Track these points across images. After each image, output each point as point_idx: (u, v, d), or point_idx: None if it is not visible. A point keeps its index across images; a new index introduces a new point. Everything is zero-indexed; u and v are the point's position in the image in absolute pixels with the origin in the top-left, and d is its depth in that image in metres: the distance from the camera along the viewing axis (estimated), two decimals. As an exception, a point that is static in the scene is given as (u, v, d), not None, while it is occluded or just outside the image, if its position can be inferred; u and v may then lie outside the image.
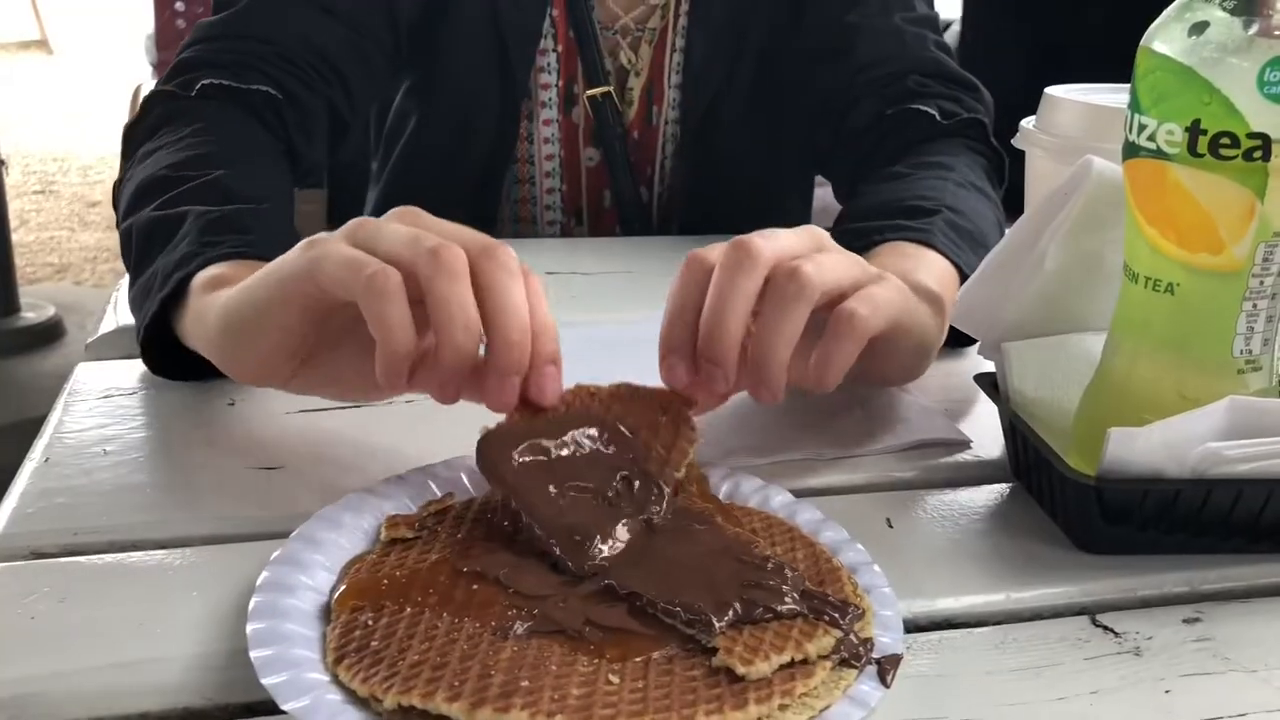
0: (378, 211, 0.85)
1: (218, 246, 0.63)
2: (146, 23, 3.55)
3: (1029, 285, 0.60)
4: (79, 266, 3.40)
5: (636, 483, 0.50)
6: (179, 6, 3.46)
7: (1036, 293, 0.60)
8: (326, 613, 0.44)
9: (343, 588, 0.45)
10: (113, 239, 3.57)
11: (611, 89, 1.02)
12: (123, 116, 3.71)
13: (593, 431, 0.51)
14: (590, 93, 1.01)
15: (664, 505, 0.49)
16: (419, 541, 0.48)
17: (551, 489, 0.48)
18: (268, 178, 0.78)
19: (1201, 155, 0.48)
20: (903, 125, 0.93)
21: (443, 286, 0.48)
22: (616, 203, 1.06)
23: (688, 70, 1.02)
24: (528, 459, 0.49)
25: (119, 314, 0.77)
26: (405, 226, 0.51)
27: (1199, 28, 0.49)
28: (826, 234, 0.58)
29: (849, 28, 0.98)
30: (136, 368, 0.69)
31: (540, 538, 0.46)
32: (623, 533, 0.47)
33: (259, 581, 0.44)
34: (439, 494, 0.52)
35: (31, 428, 0.61)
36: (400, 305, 0.48)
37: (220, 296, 0.57)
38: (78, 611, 0.46)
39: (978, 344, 0.63)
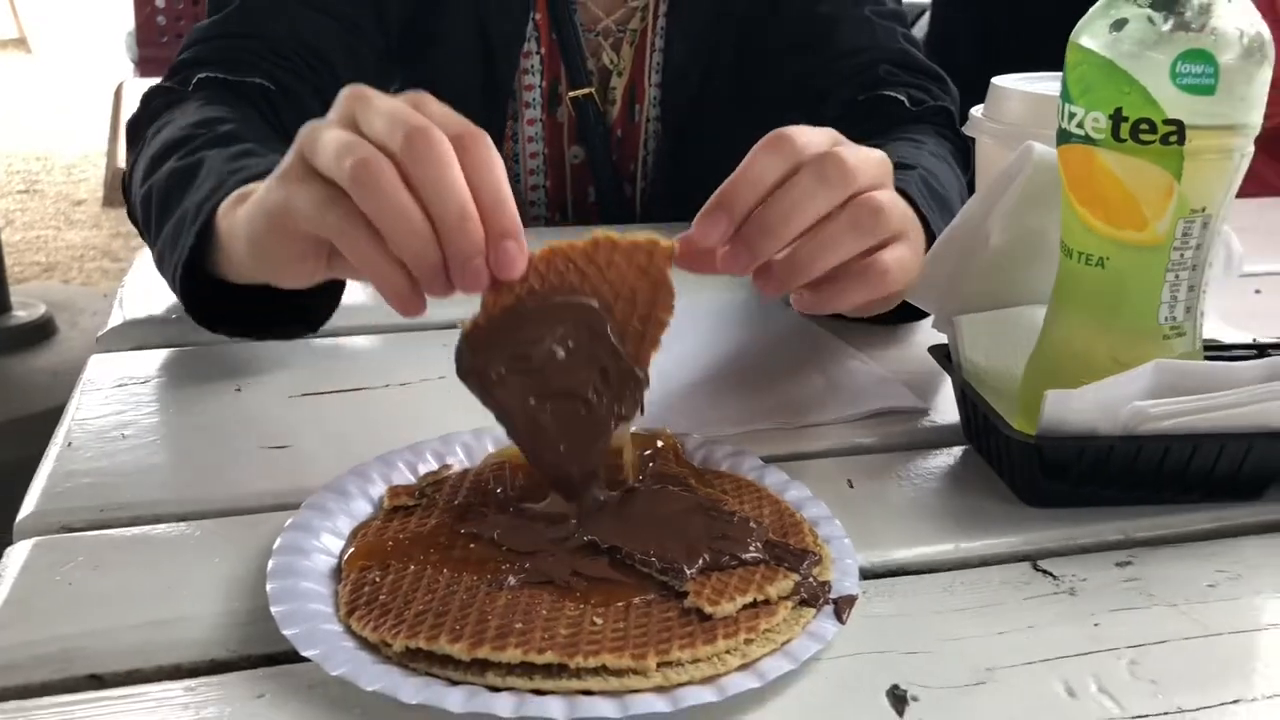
0: None
1: (242, 171, 0.66)
2: (126, 20, 3.57)
3: (978, 261, 0.64)
4: (66, 265, 3.42)
5: (614, 375, 0.51)
6: (159, 3, 3.47)
7: (985, 268, 0.65)
8: (337, 572, 0.49)
9: (352, 549, 0.49)
10: (99, 237, 3.57)
11: (594, 90, 1.05)
12: (105, 114, 3.72)
13: (568, 320, 0.51)
14: (573, 94, 1.05)
15: (640, 395, 0.52)
16: (419, 508, 0.53)
17: (533, 401, 0.51)
18: (276, 140, 0.81)
19: (1124, 140, 0.53)
20: (874, 111, 0.97)
21: (376, 203, 0.49)
22: (600, 199, 1.10)
23: (668, 70, 1.06)
24: (505, 369, 0.51)
25: (124, 308, 0.81)
26: (337, 133, 0.51)
27: (1119, 24, 0.53)
28: (890, 162, 0.59)
29: (823, 19, 1.02)
30: (146, 359, 0.73)
31: (534, 464, 0.51)
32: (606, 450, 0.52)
33: (275, 545, 0.49)
34: (436, 466, 0.57)
35: (29, 423, 0.64)
36: (372, 241, 0.50)
37: (241, 212, 0.60)
38: (110, 578, 0.50)
39: (932, 318, 0.68)
